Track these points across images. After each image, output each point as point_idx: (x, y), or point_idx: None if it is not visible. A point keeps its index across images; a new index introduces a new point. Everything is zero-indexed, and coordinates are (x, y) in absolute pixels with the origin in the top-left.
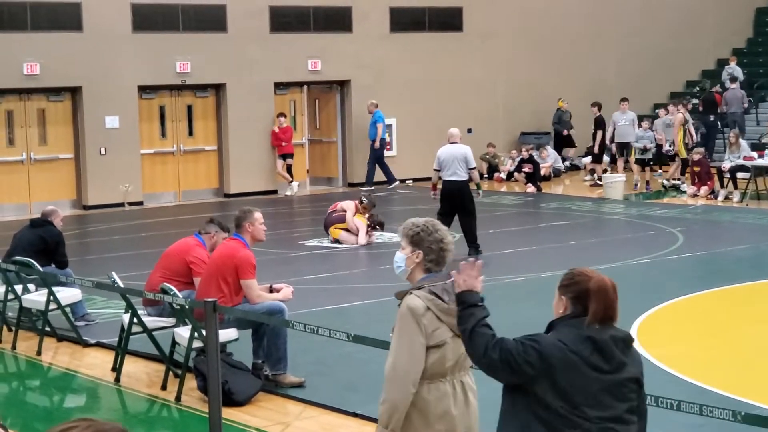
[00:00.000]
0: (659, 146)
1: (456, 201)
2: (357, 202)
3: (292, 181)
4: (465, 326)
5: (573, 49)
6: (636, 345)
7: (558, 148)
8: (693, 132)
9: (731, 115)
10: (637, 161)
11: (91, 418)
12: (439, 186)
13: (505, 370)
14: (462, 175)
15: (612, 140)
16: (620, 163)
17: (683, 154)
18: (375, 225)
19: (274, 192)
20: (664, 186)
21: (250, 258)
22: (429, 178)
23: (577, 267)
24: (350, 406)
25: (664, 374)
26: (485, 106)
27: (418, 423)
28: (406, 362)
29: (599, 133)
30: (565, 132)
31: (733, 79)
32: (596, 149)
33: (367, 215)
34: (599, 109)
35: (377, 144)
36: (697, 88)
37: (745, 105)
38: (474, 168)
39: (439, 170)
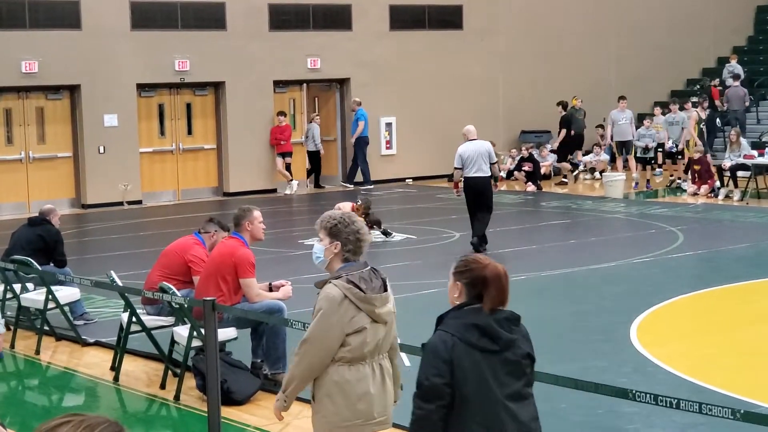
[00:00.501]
0: (660, 144)
1: (481, 197)
2: (353, 203)
3: (291, 180)
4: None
5: (573, 47)
6: (636, 344)
7: (565, 150)
8: (703, 132)
9: (733, 113)
10: (638, 159)
11: (81, 414)
12: (461, 184)
13: (443, 398)
14: (486, 171)
15: (611, 138)
16: (620, 162)
17: (691, 152)
18: (371, 224)
19: (274, 191)
20: (679, 186)
21: (249, 257)
22: (429, 177)
23: (470, 255)
24: None
25: (663, 373)
26: (485, 104)
27: (341, 402)
28: (318, 343)
29: (563, 132)
30: (573, 132)
31: (736, 76)
32: (555, 146)
33: (362, 215)
34: (564, 108)
35: (352, 140)
36: (698, 86)
37: (747, 103)
38: (495, 162)
39: (461, 168)
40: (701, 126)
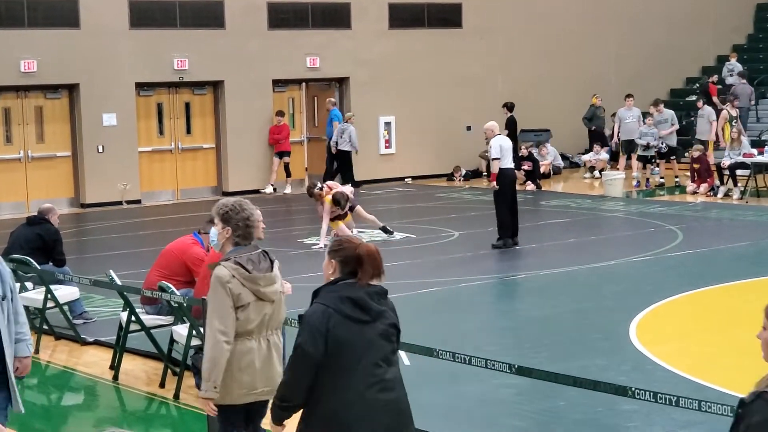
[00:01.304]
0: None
1: (515, 190)
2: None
3: (289, 177)
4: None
5: (572, 46)
6: (635, 342)
7: (591, 147)
8: (742, 129)
9: (738, 110)
10: (639, 158)
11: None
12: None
13: (311, 367)
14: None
15: (618, 136)
16: (622, 161)
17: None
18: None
19: (274, 190)
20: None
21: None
22: (429, 176)
23: (343, 236)
24: None
25: (663, 371)
26: (484, 103)
27: (226, 372)
28: (220, 323)
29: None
30: (593, 128)
31: (742, 74)
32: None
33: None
34: (510, 110)
35: (333, 143)
36: (697, 85)
37: (752, 101)
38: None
39: (499, 159)
40: (732, 123)
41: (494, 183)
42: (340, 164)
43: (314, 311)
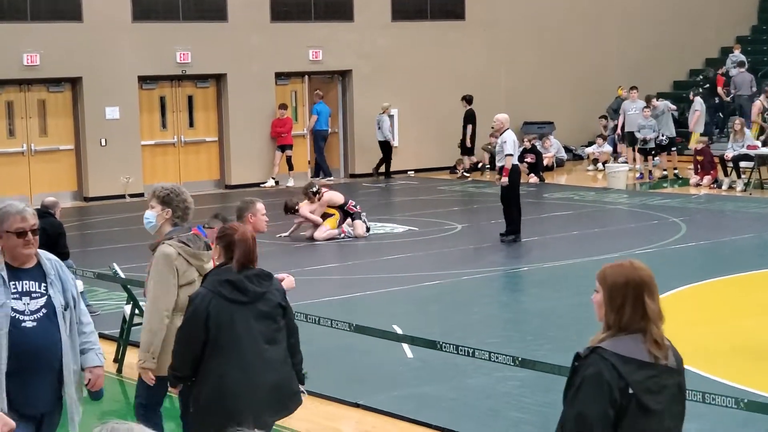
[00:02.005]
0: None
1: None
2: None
3: (291, 170)
4: None
5: (575, 38)
6: None
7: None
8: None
9: (738, 98)
10: (640, 150)
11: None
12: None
13: (196, 346)
14: None
15: (622, 129)
16: (630, 153)
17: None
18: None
19: (276, 183)
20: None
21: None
22: (431, 169)
23: (229, 223)
24: (352, 396)
25: None
26: (487, 95)
27: (166, 345)
28: (162, 298)
29: (469, 127)
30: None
31: (741, 63)
32: (468, 143)
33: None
34: (469, 103)
35: (306, 131)
36: (701, 77)
37: (753, 89)
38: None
39: (513, 154)
40: (765, 116)
41: (505, 179)
42: (383, 154)
43: (197, 294)
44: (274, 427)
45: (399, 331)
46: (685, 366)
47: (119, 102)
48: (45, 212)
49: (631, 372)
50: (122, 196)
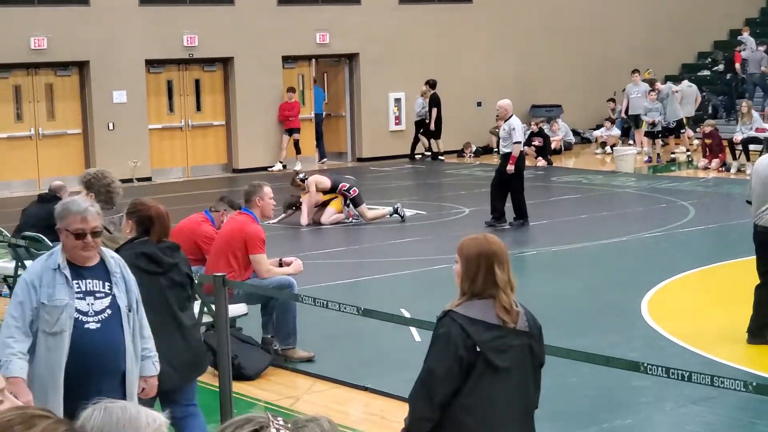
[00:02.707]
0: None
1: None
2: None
3: (299, 154)
4: None
5: (584, 21)
6: (647, 318)
7: (437, 130)
8: None
9: (750, 77)
10: (647, 134)
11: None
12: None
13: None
14: None
15: (626, 112)
16: (637, 136)
17: None
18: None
19: (284, 167)
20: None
21: (260, 233)
22: (442, 153)
23: (139, 198)
24: (360, 380)
25: (674, 347)
26: (495, 79)
27: None
28: None
29: (434, 111)
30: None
31: (752, 43)
32: (432, 126)
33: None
34: (432, 87)
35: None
36: (710, 60)
37: (764, 68)
38: None
39: (521, 142)
40: None
41: (512, 167)
42: (425, 133)
43: None
44: (281, 411)
45: (407, 314)
46: (694, 349)
47: (126, 86)
48: (53, 196)
49: (478, 332)
50: (130, 180)
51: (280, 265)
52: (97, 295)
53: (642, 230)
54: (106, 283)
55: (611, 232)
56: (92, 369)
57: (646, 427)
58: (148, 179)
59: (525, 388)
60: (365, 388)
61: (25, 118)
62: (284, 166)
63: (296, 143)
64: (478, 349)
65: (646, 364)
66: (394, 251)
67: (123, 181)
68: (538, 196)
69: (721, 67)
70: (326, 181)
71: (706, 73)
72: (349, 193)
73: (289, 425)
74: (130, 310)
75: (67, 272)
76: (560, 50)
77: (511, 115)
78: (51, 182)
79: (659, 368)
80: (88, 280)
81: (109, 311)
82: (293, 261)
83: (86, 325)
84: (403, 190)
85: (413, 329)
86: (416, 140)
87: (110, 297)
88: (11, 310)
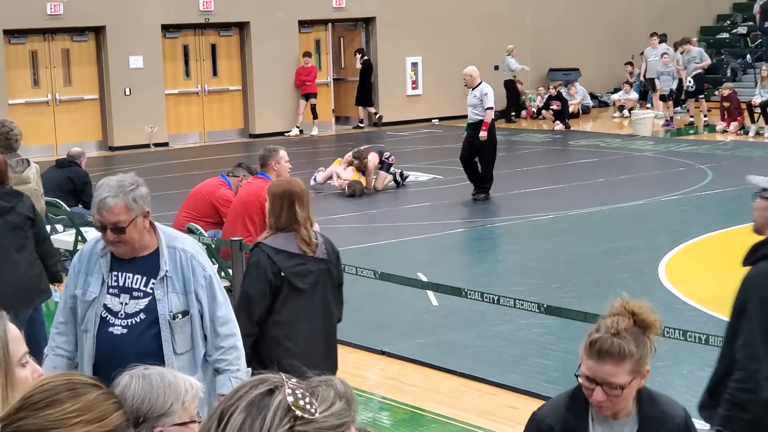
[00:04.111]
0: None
1: None
2: (376, 152)
3: (315, 119)
4: None
5: None
6: (664, 281)
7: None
8: None
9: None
10: (661, 97)
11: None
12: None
13: None
14: None
15: (644, 76)
16: (655, 100)
17: None
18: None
19: (300, 132)
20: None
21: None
22: (456, 117)
23: None
24: (377, 344)
25: (692, 310)
26: (512, 42)
27: None
28: None
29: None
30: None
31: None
32: (364, 93)
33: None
34: (363, 55)
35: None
36: (728, 22)
37: None
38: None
39: (493, 108)
40: None
41: (484, 133)
42: (509, 95)
43: None
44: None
45: (424, 278)
46: (711, 312)
47: (143, 51)
48: (71, 162)
49: (282, 260)
50: (147, 146)
51: None
52: (135, 293)
53: (660, 194)
54: (151, 281)
55: (629, 196)
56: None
57: (663, 390)
58: (165, 144)
59: (327, 304)
60: (382, 352)
61: (42, 83)
62: (301, 131)
63: (313, 108)
64: (283, 274)
65: (663, 328)
66: (410, 216)
67: (140, 146)
68: (555, 160)
69: (740, 29)
70: (376, 158)
71: (725, 35)
72: (389, 160)
73: (303, 384)
74: (179, 317)
75: (107, 260)
76: (578, 13)
77: (480, 82)
78: (68, 148)
79: (677, 331)
80: (128, 274)
81: (143, 315)
82: None
83: (111, 328)
84: (419, 154)
85: (430, 293)
86: (515, 104)
87: (149, 298)
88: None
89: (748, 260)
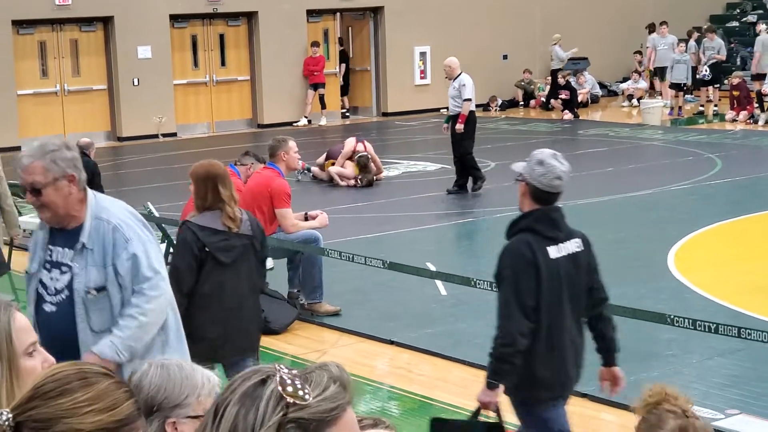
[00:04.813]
0: (695, 68)
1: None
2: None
3: (324, 108)
4: None
5: None
6: (673, 270)
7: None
8: None
9: None
10: (672, 86)
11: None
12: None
13: None
14: None
15: (652, 65)
16: (665, 89)
17: None
18: (363, 180)
19: (309, 122)
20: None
21: (285, 187)
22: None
23: None
24: (386, 333)
25: (701, 299)
26: (521, 31)
27: None
28: None
29: (342, 66)
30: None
31: None
32: (341, 81)
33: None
34: (342, 44)
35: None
36: (738, 11)
37: None
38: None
39: (471, 99)
40: None
41: (461, 126)
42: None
43: None
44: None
45: (433, 268)
46: (720, 302)
47: (151, 41)
48: (80, 153)
49: (207, 236)
50: (155, 136)
51: (306, 219)
52: (63, 268)
53: (669, 183)
54: (73, 254)
55: (638, 185)
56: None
57: (672, 379)
58: (173, 135)
59: (250, 276)
60: (391, 342)
61: (51, 74)
62: (309, 121)
63: (321, 98)
64: (207, 249)
65: (672, 317)
66: (419, 205)
67: (148, 136)
68: (564, 149)
69: (750, 17)
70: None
71: (735, 24)
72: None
73: (296, 372)
74: (94, 292)
75: (45, 233)
76: (587, 2)
77: (460, 73)
78: (77, 138)
79: (686, 320)
80: (58, 248)
81: (66, 291)
82: (319, 214)
83: (44, 305)
84: (428, 144)
85: (439, 283)
86: (554, 93)
87: (70, 273)
88: None
89: (507, 234)
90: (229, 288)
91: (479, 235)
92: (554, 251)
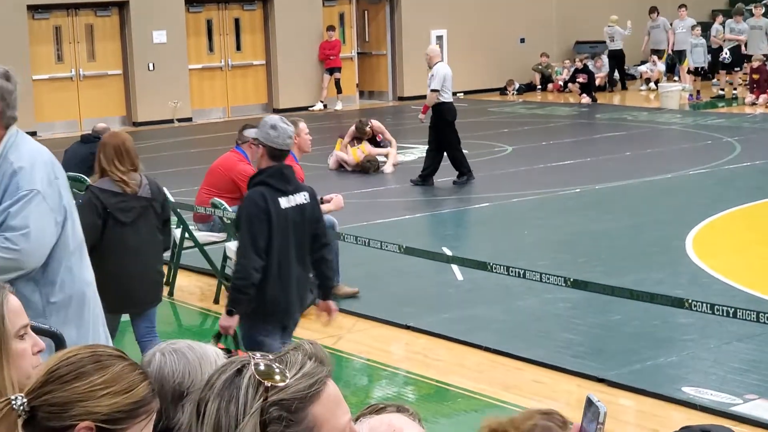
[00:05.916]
0: (716, 52)
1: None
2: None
3: (340, 93)
4: None
5: None
6: (692, 255)
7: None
8: None
9: None
10: (690, 70)
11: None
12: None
13: None
14: None
15: (672, 48)
16: (683, 72)
17: None
18: (367, 163)
19: (324, 107)
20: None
21: (298, 171)
22: (481, 90)
23: None
24: (402, 318)
25: (719, 284)
26: (538, 14)
27: None
28: None
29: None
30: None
31: None
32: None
33: (357, 143)
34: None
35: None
36: None
37: None
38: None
39: (439, 91)
40: None
41: (423, 116)
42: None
43: None
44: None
45: (449, 252)
46: (739, 286)
47: (166, 26)
48: (96, 137)
49: (107, 198)
50: (170, 121)
51: (321, 202)
52: None
53: (687, 167)
54: None
55: (656, 170)
56: None
57: (690, 364)
58: (189, 120)
59: (153, 235)
60: (407, 327)
61: (66, 59)
62: (325, 106)
63: (337, 82)
64: (108, 210)
65: (690, 301)
66: (435, 190)
67: (163, 121)
68: (582, 134)
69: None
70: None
71: (752, 6)
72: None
73: (270, 356)
74: None
75: None
76: None
77: (438, 62)
78: (92, 123)
79: (704, 305)
80: None
81: None
82: (334, 197)
83: None
84: None
85: (455, 267)
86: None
87: None
88: None
89: (248, 187)
90: (130, 244)
91: (495, 220)
92: (284, 202)
